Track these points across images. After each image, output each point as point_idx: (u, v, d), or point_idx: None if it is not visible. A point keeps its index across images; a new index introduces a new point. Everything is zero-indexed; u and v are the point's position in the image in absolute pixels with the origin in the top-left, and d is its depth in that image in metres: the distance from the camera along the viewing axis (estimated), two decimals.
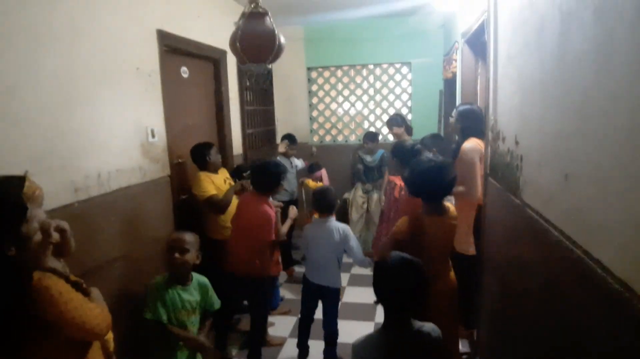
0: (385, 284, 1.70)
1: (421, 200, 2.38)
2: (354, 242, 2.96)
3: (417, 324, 1.68)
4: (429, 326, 1.70)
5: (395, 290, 1.66)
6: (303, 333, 3.13)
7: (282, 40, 2.23)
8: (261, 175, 2.93)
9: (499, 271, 2.24)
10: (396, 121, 4.66)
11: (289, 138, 4.86)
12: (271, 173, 2.92)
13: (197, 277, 2.49)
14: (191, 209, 3.38)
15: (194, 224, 3.25)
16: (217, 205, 3.22)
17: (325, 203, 3.00)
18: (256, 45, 2.18)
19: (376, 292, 1.76)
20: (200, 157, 3.33)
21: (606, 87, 1.06)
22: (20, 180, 1.37)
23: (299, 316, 3.19)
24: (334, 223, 2.98)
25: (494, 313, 2.38)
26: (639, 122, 0.92)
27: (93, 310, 1.31)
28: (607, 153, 1.06)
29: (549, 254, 1.45)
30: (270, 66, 2.28)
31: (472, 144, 2.84)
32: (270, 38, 2.15)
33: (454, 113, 3.16)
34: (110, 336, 1.70)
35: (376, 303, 1.55)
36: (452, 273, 2.47)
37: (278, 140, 5.95)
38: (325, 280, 2.97)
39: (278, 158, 4.66)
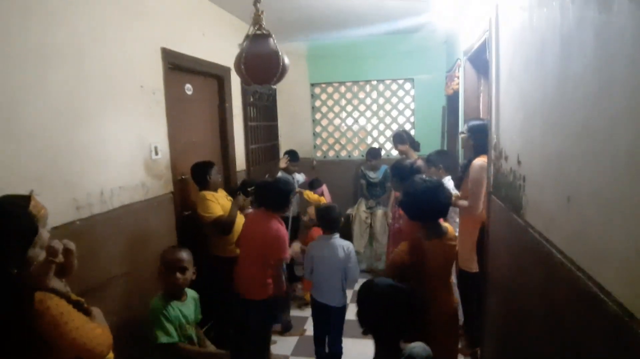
0: (372, 312, 1.62)
1: (420, 224, 2.36)
2: (354, 261, 2.96)
3: (408, 348, 1.60)
4: (419, 347, 1.61)
5: (384, 318, 1.59)
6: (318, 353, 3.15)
7: (287, 61, 2.26)
8: (271, 193, 2.92)
9: (502, 290, 2.22)
10: (400, 138, 4.67)
11: (291, 154, 4.87)
12: (281, 191, 2.92)
13: (188, 290, 2.51)
14: (194, 226, 3.38)
15: (198, 241, 3.26)
16: (225, 226, 3.22)
17: (330, 220, 3.03)
18: (261, 67, 2.21)
19: (361, 321, 1.65)
20: (201, 175, 3.32)
21: (606, 111, 1.06)
22: (25, 200, 1.38)
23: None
24: (338, 240, 3.00)
25: (497, 332, 2.35)
26: (638, 147, 0.92)
27: (94, 331, 1.31)
28: (608, 177, 1.06)
29: (551, 275, 1.43)
30: (275, 86, 2.30)
31: (481, 161, 2.84)
32: (275, 59, 2.18)
33: (465, 128, 3.15)
34: (111, 356, 1.69)
35: (364, 333, 1.49)
36: (453, 295, 2.44)
37: (281, 155, 5.98)
38: (330, 299, 2.95)
39: (280, 173, 4.67)
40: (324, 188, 4.96)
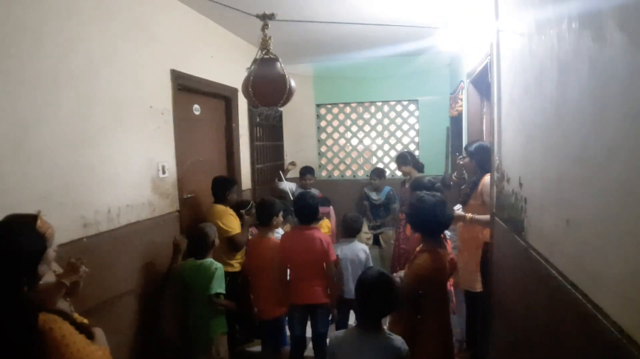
0: (365, 292, 2.01)
1: (423, 238, 2.42)
2: (371, 262, 3.40)
3: (387, 332, 2.01)
4: (398, 339, 1.97)
5: (375, 296, 1.98)
6: None
7: (293, 84, 2.32)
8: (304, 207, 3.06)
9: (505, 311, 2.22)
10: (404, 159, 4.71)
11: (307, 169, 5.14)
12: (311, 205, 3.07)
13: None
14: None
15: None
16: (239, 244, 3.37)
17: (353, 229, 3.48)
18: (268, 90, 2.27)
19: (357, 298, 2.05)
20: (222, 190, 3.44)
21: (602, 138, 1.09)
22: (32, 219, 1.41)
23: None
24: (357, 243, 3.40)
25: (501, 352, 2.34)
26: (632, 173, 0.94)
27: (95, 353, 1.33)
28: (605, 202, 1.08)
29: (553, 297, 1.45)
30: (282, 109, 2.36)
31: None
32: (281, 83, 2.24)
33: (463, 154, 3.21)
34: None
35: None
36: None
37: (287, 174, 6.03)
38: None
39: (295, 186, 5.00)
40: (331, 209, 4.97)
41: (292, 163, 5.40)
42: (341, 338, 2.03)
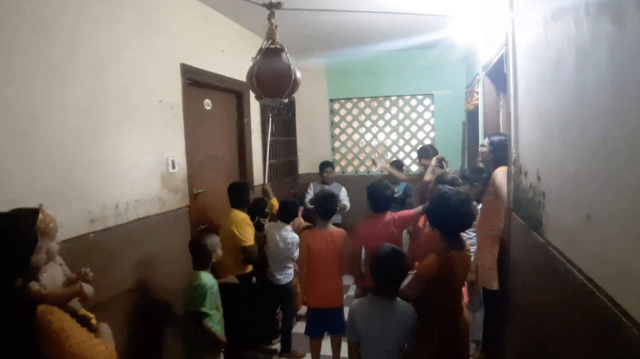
0: (381, 265, 2.23)
1: (440, 236, 2.34)
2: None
3: (399, 300, 2.25)
4: (410, 307, 2.25)
5: (388, 268, 2.21)
6: None
7: (298, 75, 2.25)
8: (379, 197, 3.14)
9: (523, 309, 2.14)
10: (426, 153, 4.56)
11: (328, 164, 5.26)
12: (386, 195, 3.16)
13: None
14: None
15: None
16: (253, 256, 3.34)
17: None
18: (272, 80, 2.21)
19: (372, 272, 2.29)
20: (241, 196, 3.40)
21: (624, 127, 1.01)
22: (34, 213, 1.39)
23: None
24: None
25: (518, 352, 2.26)
26: None
27: (96, 347, 1.29)
28: (628, 195, 1.00)
29: (572, 296, 1.37)
30: (286, 100, 2.29)
31: (503, 169, 2.79)
32: (286, 73, 2.17)
33: (485, 141, 3.13)
34: None
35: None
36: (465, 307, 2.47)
37: (300, 170, 6.00)
38: None
39: (314, 184, 5.09)
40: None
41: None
42: (360, 305, 2.28)
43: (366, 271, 3.04)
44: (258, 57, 2.22)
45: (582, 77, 1.28)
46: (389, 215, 3.13)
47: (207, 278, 2.63)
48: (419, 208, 3.33)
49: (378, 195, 3.13)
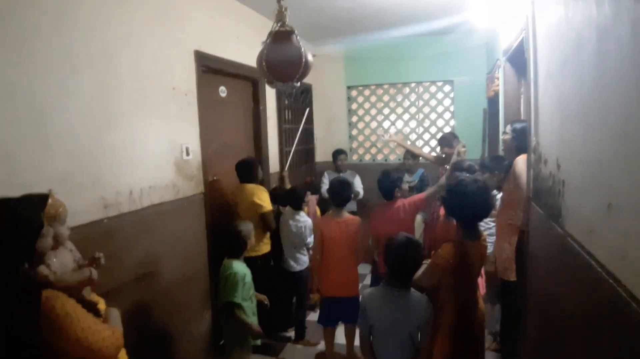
0: (395, 254, 2.17)
1: (457, 225, 2.28)
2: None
3: (413, 290, 2.20)
4: (424, 297, 2.19)
5: (402, 258, 2.15)
6: None
7: (310, 58, 2.19)
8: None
9: (541, 302, 2.08)
10: (448, 141, 4.43)
11: (341, 151, 5.25)
12: (392, 180, 3.20)
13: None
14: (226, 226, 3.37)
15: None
16: (271, 222, 3.42)
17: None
18: (282, 64, 2.15)
19: (386, 261, 2.23)
20: (249, 170, 3.46)
21: None
22: (43, 198, 1.38)
23: None
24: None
25: (535, 345, 2.20)
26: None
27: (102, 332, 1.29)
28: None
29: (592, 290, 1.31)
30: (298, 84, 2.23)
31: (523, 157, 2.71)
32: (297, 56, 2.11)
33: (508, 129, 3.04)
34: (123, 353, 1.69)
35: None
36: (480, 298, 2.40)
37: (317, 158, 5.96)
38: None
39: (329, 172, 5.14)
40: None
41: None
42: (372, 295, 2.24)
43: (379, 259, 3.02)
44: (268, 41, 2.17)
45: (603, 58, 1.21)
46: (399, 202, 3.16)
47: (239, 266, 2.61)
48: (430, 189, 3.30)
49: (381, 181, 3.21)
